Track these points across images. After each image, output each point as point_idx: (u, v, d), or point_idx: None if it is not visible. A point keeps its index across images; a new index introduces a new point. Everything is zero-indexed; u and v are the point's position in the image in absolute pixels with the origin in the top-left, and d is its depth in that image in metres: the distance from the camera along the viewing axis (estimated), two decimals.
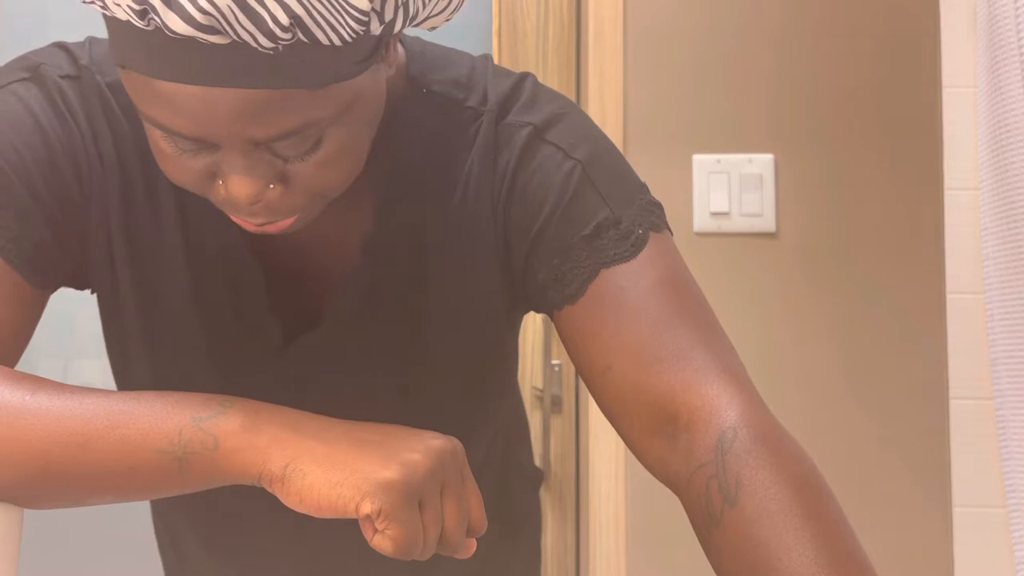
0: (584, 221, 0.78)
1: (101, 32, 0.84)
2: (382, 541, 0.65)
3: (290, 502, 0.66)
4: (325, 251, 0.82)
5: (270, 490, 0.67)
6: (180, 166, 0.69)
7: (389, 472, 0.65)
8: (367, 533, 0.66)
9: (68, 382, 0.72)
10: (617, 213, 0.79)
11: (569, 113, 0.83)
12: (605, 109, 1.76)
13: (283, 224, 0.71)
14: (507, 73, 0.85)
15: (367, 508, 0.64)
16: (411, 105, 0.81)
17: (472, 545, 0.71)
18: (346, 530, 0.92)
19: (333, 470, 0.65)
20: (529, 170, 0.80)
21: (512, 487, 1.04)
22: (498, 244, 0.81)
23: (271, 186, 0.68)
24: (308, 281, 0.82)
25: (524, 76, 0.85)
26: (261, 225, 0.71)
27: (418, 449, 0.67)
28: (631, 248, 0.78)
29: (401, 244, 0.81)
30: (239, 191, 0.67)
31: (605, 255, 0.77)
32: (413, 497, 0.65)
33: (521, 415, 1.09)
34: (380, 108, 0.73)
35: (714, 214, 1.75)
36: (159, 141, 0.69)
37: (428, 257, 0.81)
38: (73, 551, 1.83)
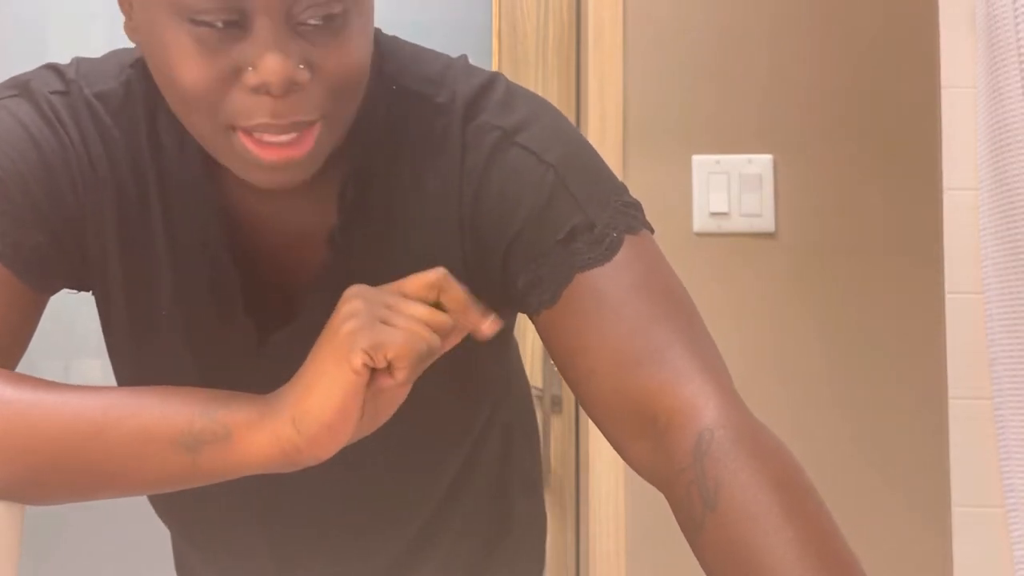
0: (558, 226, 0.78)
1: (97, 39, 0.85)
2: (397, 364, 0.68)
3: (323, 441, 0.69)
4: (298, 247, 0.83)
5: (299, 459, 0.69)
6: (202, 65, 0.69)
7: (342, 331, 0.69)
8: (388, 381, 0.69)
9: (68, 382, 0.73)
10: (591, 217, 0.78)
11: (541, 115, 0.83)
12: (605, 110, 1.76)
13: (306, 141, 0.71)
14: (477, 72, 0.85)
15: (356, 360, 0.67)
16: (380, 101, 0.81)
17: (492, 319, 0.74)
18: (324, 531, 0.93)
19: (317, 384, 0.69)
20: (500, 174, 0.80)
21: (511, 490, 1.03)
22: (464, 244, 0.81)
23: (301, 67, 0.69)
24: (283, 278, 0.83)
25: (494, 76, 0.84)
26: (286, 141, 0.70)
27: (342, 308, 0.71)
28: (605, 252, 0.77)
29: (368, 239, 0.82)
30: (273, 67, 0.68)
31: (579, 259, 0.77)
32: (372, 321, 0.69)
33: (526, 419, 1.08)
34: (372, 39, 0.75)
35: (713, 214, 1.75)
36: (178, 39, 0.69)
37: (394, 252, 0.82)
38: (73, 551, 1.83)
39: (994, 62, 1.64)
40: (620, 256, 0.77)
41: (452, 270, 0.81)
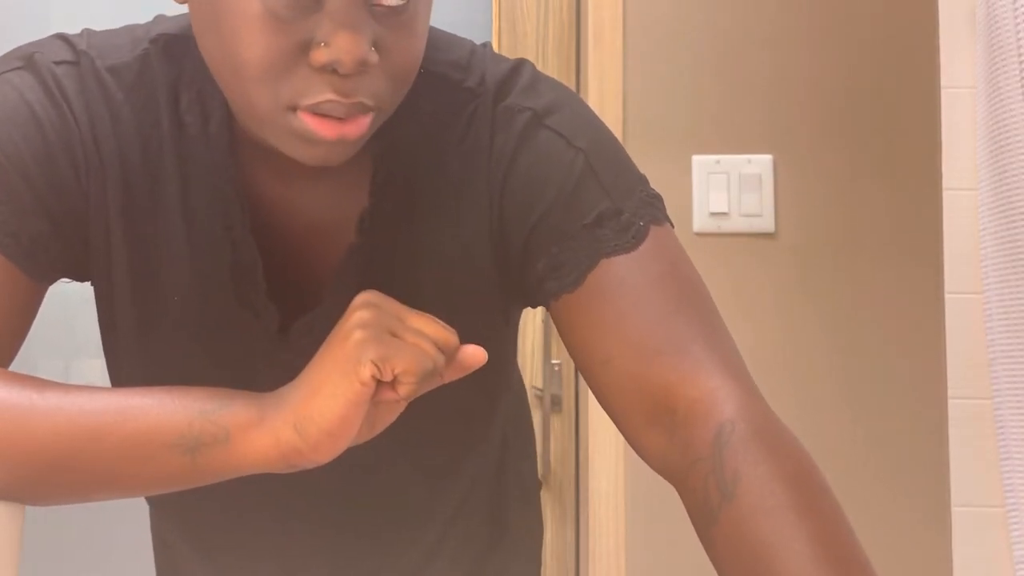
0: (585, 211, 0.78)
1: (102, 18, 0.84)
2: (403, 379, 0.67)
3: (324, 447, 0.68)
4: (324, 231, 0.82)
5: (298, 463, 0.69)
6: (270, 38, 0.67)
7: (351, 340, 0.68)
8: (392, 395, 0.68)
9: (68, 382, 0.72)
10: (618, 204, 0.78)
11: (569, 101, 0.83)
12: (605, 110, 1.76)
13: (363, 123, 0.70)
14: (505, 59, 0.85)
15: (365, 372, 0.66)
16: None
17: (480, 350, 0.73)
18: (333, 535, 0.92)
19: (322, 389, 0.68)
20: (529, 156, 0.80)
21: (509, 496, 1.02)
22: (492, 225, 0.81)
23: (372, 48, 0.68)
24: (308, 263, 0.82)
25: (522, 61, 0.85)
26: (345, 117, 0.69)
27: (351, 316, 0.70)
28: (632, 240, 0.77)
29: (397, 222, 0.81)
30: (347, 45, 0.66)
31: (606, 245, 0.77)
32: (382, 333, 0.68)
33: (523, 423, 1.07)
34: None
35: (713, 214, 1.75)
36: (248, 10, 0.67)
37: (423, 236, 0.81)
38: (74, 551, 1.83)
39: (994, 62, 1.64)
40: (645, 246, 0.77)
41: (480, 252, 0.81)
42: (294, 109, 0.69)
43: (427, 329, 0.70)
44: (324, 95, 0.68)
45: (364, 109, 0.70)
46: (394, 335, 0.68)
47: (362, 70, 0.67)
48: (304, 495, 0.87)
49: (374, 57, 0.68)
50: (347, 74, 0.67)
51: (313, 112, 0.69)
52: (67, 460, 0.68)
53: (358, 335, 0.68)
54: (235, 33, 0.68)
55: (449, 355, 0.71)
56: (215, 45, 0.70)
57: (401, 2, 0.69)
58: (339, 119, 0.69)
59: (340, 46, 0.66)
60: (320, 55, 0.67)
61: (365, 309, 0.69)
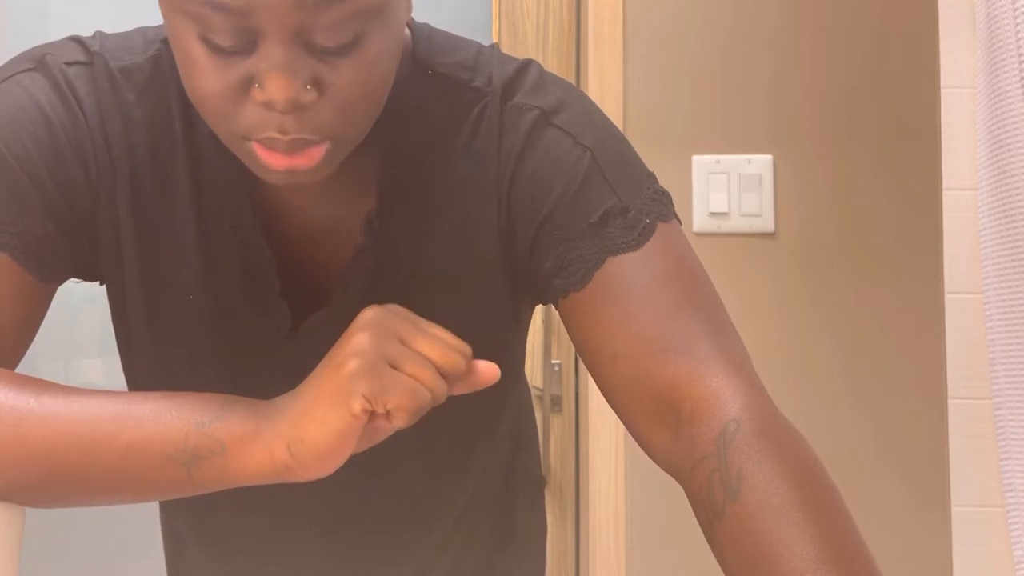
0: (592, 209, 0.78)
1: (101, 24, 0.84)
2: (396, 414, 0.66)
3: (315, 468, 0.67)
4: (332, 232, 0.82)
5: (291, 479, 0.68)
6: (212, 77, 0.67)
7: (345, 369, 0.66)
8: (386, 425, 0.67)
9: (68, 382, 0.72)
10: (625, 201, 0.79)
11: (576, 99, 0.83)
12: (605, 109, 1.75)
13: (314, 155, 0.70)
14: (512, 59, 0.85)
15: (356, 405, 0.65)
16: (416, 86, 0.81)
17: (493, 367, 0.71)
18: (339, 534, 0.92)
19: (313, 415, 0.67)
20: (536, 154, 0.80)
21: (519, 495, 1.02)
22: (500, 224, 0.81)
23: (308, 87, 0.67)
24: (316, 263, 0.82)
25: (529, 61, 0.85)
26: (293, 151, 0.69)
27: (350, 339, 0.68)
28: (638, 237, 0.77)
29: (405, 223, 0.81)
30: (278, 85, 0.66)
31: (612, 243, 0.77)
32: (378, 364, 0.66)
33: (530, 422, 1.08)
34: (400, 46, 0.73)
35: (713, 214, 1.76)
36: (192, 49, 0.67)
37: (431, 235, 0.82)
38: (74, 551, 1.83)
39: (994, 62, 1.64)
40: (652, 243, 0.78)
41: (489, 251, 0.81)
42: (248, 139, 0.69)
43: (432, 353, 0.68)
44: (267, 131, 0.68)
45: (308, 143, 0.69)
46: (393, 364, 0.67)
47: (297, 108, 0.67)
48: (309, 493, 0.87)
49: (308, 96, 0.67)
50: (284, 112, 0.67)
51: (261, 144, 0.69)
52: (64, 468, 0.68)
53: (352, 365, 0.66)
54: (189, 70, 0.69)
55: (454, 380, 0.69)
56: (183, 77, 0.71)
57: (341, 42, 0.67)
58: (286, 154, 0.69)
59: (271, 87, 0.66)
60: (257, 94, 0.67)
61: (366, 332, 0.68)
